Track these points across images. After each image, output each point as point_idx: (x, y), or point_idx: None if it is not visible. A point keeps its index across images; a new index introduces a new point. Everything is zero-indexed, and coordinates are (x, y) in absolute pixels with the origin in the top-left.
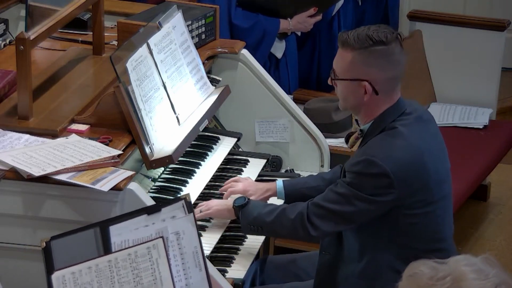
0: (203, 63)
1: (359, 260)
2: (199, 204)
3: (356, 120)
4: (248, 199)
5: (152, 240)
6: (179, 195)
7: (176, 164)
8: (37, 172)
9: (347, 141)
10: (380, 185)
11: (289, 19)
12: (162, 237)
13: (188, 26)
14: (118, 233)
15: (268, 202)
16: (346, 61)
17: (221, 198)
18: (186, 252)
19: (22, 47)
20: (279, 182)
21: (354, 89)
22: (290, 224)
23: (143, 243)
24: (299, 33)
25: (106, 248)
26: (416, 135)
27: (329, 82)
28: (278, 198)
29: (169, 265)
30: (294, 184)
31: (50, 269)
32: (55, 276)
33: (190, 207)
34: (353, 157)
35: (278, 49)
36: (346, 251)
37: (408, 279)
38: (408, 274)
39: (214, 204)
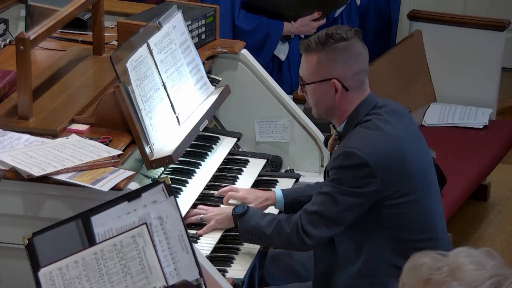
0: (203, 63)
1: (355, 261)
2: (199, 207)
3: (333, 126)
4: (247, 207)
5: (135, 227)
6: (179, 195)
7: (176, 164)
8: (37, 172)
9: (326, 145)
10: (361, 175)
11: (292, 22)
12: (145, 223)
13: (188, 26)
14: (100, 223)
15: (267, 211)
16: (312, 64)
17: (219, 201)
18: (172, 237)
19: (22, 47)
20: (278, 191)
21: (324, 90)
22: (286, 237)
23: (127, 231)
24: (302, 35)
25: (90, 240)
26: (390, 125)
27: (298, 92)
28: (277, 208)
29: (156, 251)
30: (293, 193)
31: (35, 266)
32: (42, 273)
33: (170, 190)
34: (332, 156)
35: (282, 51)
36: (340, 256)
37: (410, 270)
38: (410, 266)
39: (214, 214)
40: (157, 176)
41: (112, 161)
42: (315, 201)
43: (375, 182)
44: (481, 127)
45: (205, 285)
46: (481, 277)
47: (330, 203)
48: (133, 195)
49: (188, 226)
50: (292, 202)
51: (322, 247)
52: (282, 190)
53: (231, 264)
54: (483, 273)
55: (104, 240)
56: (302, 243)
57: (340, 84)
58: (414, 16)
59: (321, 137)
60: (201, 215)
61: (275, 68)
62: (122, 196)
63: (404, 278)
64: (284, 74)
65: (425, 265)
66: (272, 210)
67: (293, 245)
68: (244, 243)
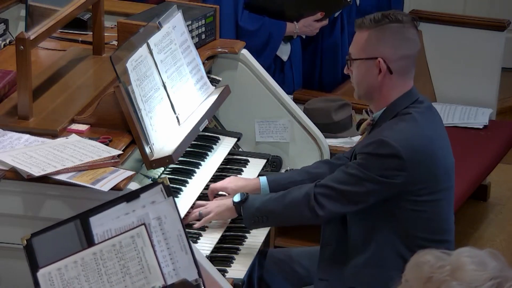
0: (203, 63)
1: (364, 249)
2: (197, 204)
3: (367, 112)
4: (247, 194)
5: (134, 228)
6: (179, 195)
7: (176, 164)
8: (37, 172)
9: (358, 128)
10: (390, 166)
11: (295, 22)
12: (144, 224)
13: (188, 26)
14: (99, 224)
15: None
16: (362, 40)
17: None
18: (170, 237)
19: (22, 47)
20: (263, 178)
21: (368, 69)
22: (296, 206)
23: (126, 231)
24: (303, 36)
25: (89, 240)
26: (428, 122)
27: (345, 71)
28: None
29: (154, 251)
30: (279, 179)
31: (34, 267)
32: (41, 273)
33: (169, 190)
34: (364, 140)
35: (284, 51)
36: (350, 241)
37: (413, 267)
38: (413, 263)
39: (213, 206)
40: (157, 176)
41: (112, 161)
42: (337, 179)
43: (403, 175)
44: (481, 127)
45: (204, 285)
46: (481, 278)
47: (352, 184)
48: (132, 196)
49: (189, 225)
50: (279, 189)
51: (330, 229)
52: (267, 177)
53: (231, 264)
54: (483, 274)
55: (103, 241)
56: (313, 213)
57: (385, 65)
58: (414, 16)
59: (321, 137)
60: (200, 211)
61: (277, 68)
62: (120, 196)
63: (406, 275)
64: (286, 74)
65: (427, 263)
66: None
67: (302, 215)
68: (244, 243)
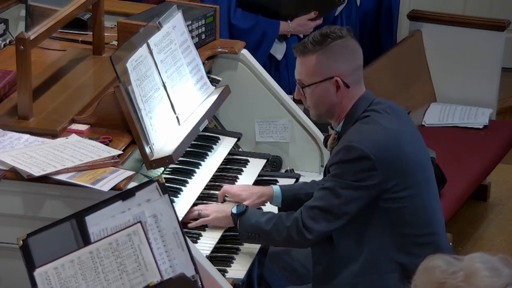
0: (203, 63)
1: (357, 258)
2: (197, 207)
3: (331, 127)
4: (246, 207)
5: (130, 226)
6: (178, 195)
7: (176, 164)
8: (37, 172)
9: (325, 145)
10: (362, 169)
11: (289, 21)
12: (140, 221)
13: (188, 26)
14: (95, 223)
15: (264, 208)
16: (310, 65)
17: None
18: (167, 234)
19: (22, 47)
20: (276, 187)
21: (325, 89)
22: (286, 232)
23: (122, 229)
24: (301, 35)
25: (85, 239)
26: (388, 120)
27: (295, 96)
28: (274, 204)
29: (151, 249)
30: (291, 190)
31: (31, 266)
32: (38, 273)
33: (164, 188)
34: (332, 153)
35: (278, 50)
36: (342, 254)
37: (423, 272)
38: (423, 268)
39: (212, 210)
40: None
41: (112, 161)
42: (316, 197)
43: (376, 175)
44: (481, 127)
45: (201, 282)
46: (495, 285)
47: (331, 198)
48: (127, 194)
49: (187, 225)
50: (290, 199)
51: (320, 248)
52: (280, 186)
53: (231, 264)
54: (497, 280)
55: (100, 239)
56: (302, 238)
57: (342, 82)
58: (414, 16)
59: (321, 137)
60: (200, 210)
61: (272, 67)
62: (116, 195)
63: (416, 280)
64: (282, 73)
65: (438, 268)
66: (269, 207)
67: (292, 240)
68: (244, 243)
